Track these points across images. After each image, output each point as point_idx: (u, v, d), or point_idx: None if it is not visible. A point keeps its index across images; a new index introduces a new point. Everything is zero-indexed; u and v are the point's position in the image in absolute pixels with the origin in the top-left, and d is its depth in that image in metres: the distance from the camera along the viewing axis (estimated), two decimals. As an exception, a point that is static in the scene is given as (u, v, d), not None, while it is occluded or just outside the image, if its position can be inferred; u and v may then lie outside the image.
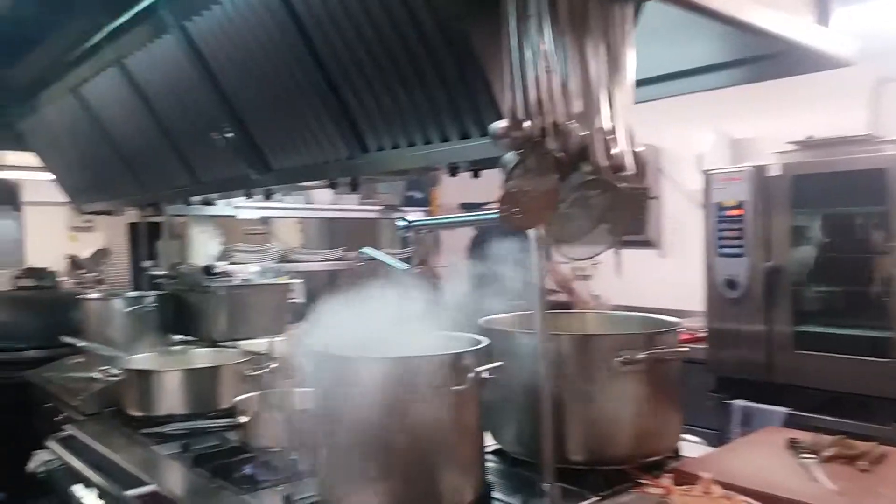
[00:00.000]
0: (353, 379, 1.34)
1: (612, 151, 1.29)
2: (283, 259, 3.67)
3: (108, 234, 7.32)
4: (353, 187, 2.06)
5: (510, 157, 1.26)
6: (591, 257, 1.44)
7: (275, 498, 1.56)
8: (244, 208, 3.94)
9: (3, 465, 3.30)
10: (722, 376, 3.33)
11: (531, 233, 1.39)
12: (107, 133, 2.85)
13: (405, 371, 1.32)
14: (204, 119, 2.24)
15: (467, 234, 4.41)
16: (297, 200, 4.14)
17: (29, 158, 6.16)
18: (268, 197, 2.52)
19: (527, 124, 1.19)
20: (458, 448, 1.37)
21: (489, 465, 1.64)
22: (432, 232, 4.01)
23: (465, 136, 1.50)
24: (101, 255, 7.07)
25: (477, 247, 4.20)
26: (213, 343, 2.66)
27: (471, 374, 1.33)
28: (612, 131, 1.30)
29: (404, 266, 1.83)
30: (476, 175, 1.66)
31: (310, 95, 1.77)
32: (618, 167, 1.29)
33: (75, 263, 6.95)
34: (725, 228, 3.31)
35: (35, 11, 2.46)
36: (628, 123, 1.33)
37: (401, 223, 1.75)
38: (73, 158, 3.40)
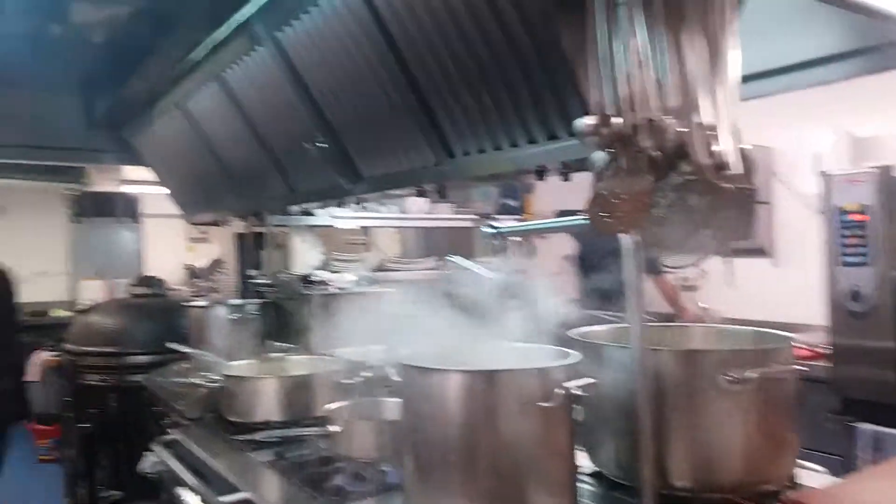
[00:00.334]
0: (437, 391, 1.29)
1: (715, 149, 1.18)
2: (379, 268, 3.71)
3: (223, 244, 7.72)
4: (441, 194, 2.03)
5: (600, 156, 1.18)
6: (692, 265, 1.33)
7: (362, 510, 1.53)
8: (342, 218, 4.02)
9: (120, 464, 3.51)
10: (847, 397, 3.04)
11: (627, 239, 1.29)
12: (210, 145, 2.97)
13: (489, 385, 1.26)
14: (298, 129, 2.28)
15: (566, 242, 4.30)
16: (392, 210, 4.18)
17: (148, 173, 6.59)
18: (360, 205, 2.53)
19: (616, 121, 1.11)
20: (546, 468, 1.29)
21: (585, 487, 1.55)
22: (527, 240, 3.92)
23: (552, 137, 1.43)
24: (215, 264, 7.44)
25: (580, 255, 4.08)
26: (311, 351, 2.69)
27: (559, 390, 1.25)
28: (714, 127, 1.19)
29: (493, 275, 1.78)
30: (566, 178, 1.58)
31: (396, 102, 1.76)
32: (721, 166, 1.18)
33: (192, 273, 7.36)
34: (848, 235, 3.03)
35: (144, 27, 2.61)
36: (732, 118, 1.22)
37: (488, 230, 1.69)
38: (181, 171, 3.57)
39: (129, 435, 2.94)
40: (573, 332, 1.66)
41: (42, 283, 7.19)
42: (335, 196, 2.42)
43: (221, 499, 1.71)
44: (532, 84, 1.40)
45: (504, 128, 1.52)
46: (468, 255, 4.86)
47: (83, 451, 3.25)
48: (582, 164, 1.47)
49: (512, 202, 4.70)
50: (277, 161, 2.58)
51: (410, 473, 1.37)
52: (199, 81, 2.61)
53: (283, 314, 2.86)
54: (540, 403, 1.23)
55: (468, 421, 1.26)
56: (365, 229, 6.36)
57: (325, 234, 4.24)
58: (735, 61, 1.23)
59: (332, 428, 1.80)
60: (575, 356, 1.36)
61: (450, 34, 1.51)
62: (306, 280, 2.88)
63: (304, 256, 3.99)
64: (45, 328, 6.43)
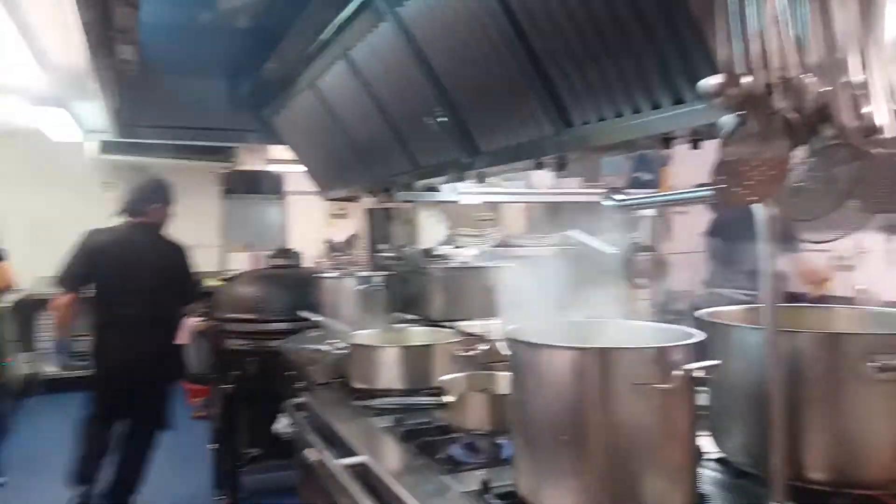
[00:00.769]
0: (546, 368, 1.26)
1: (864, 110, 1.05)
2: (503, 244, 3.70)
3: (360, 220, 8.03)
4: (560, 166, 1.97)
5: (728, 120, 1.09)
6: (833, 240, 1.20)
7: (473, 481, 1.54)
8: (467, 194, 4.04)
9: (258, 424, 3.76)
10: None
11: (760, 211, 1.19)
12: (339, 123, 3.06)
13: (601, 363, 1.21)
14: (419, 104, 2.29)
15: (705, 219, 4.06)
16: (518, 185, 4.14)
17: (288, 152, 6.94)
18: (480, 180, 2.52)
19: (746, 79, 1.01)
20: (662, 452, 1.22)
21: (709, 474, 1.47)
22: (662, 216, 3.73)
23: (678, 101, 1.33)
24: (353, 239, 7.75)
25: (715, 231, 3.84)
26: (432, 322, 2.74)
27: (678, 372, 1.18)
28: (864, 86, 1.05)
29: (615, 250, 1.70)
30: (695, 146, 1.48)
31: (513, 72, 1.72)
32: (870, 129, 1.05)
33: (331, 247, 7.71)
34: None
35: (280, 10, 2.71)
36: (887, 78, 1.07)
37: (608, 202, 1.62)
38: (315, 149, 3.73)
39: (266, 397, 3.13)
40: (700, 312, 1.56)
41: (197, 255, 7.83)
42: (455, 170, 2.42)
43: (340, 461, 1.78)
44: (656, 45, 1.31)
45: (626, 93, 1.44)
46: (596, 232, 4.73)
47: (226, 410, 3.51)
48: (713, 130, 1.36)
49: (646, 176, 4.49)
50: (400, 136, 2.62)
51: (520, 449, 1.35)
52: (329, 61, 2.69)
53: (406, 286, 2.92)
54: (657, 385, 1.17)
55: (579, 400, 1.21)
56: (492, 205, 6.36)
57: (454, 211, 4.28)
58: (892, 15, 1.08)
59: (446, 398, 1.82)
60: (697, 336, 1.28)
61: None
62: (428, 254, 2.92)
63: (430, 231, 4.06)
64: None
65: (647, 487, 1.22)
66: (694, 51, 1.23)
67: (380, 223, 4.40)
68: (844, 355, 1.29)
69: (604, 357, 1.21)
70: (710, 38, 1.17)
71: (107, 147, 6.41)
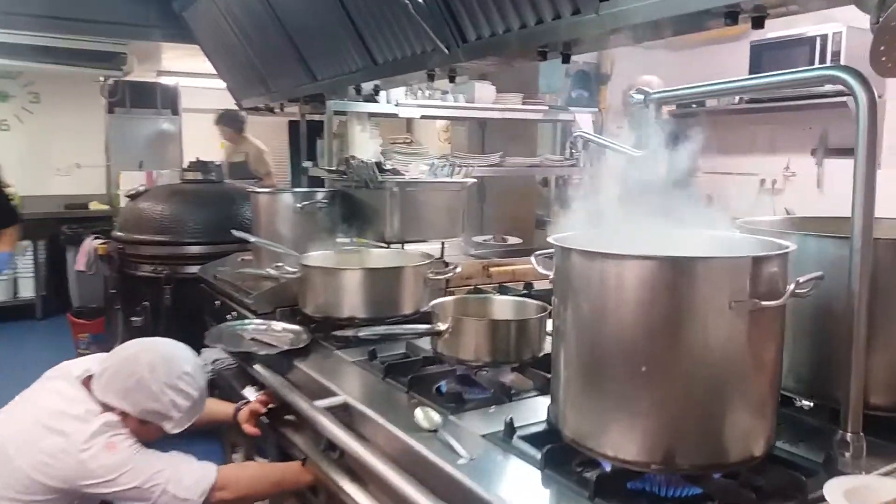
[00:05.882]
0: (617, 283, 1.01)
1: None
2: (447, 162, 3.40)
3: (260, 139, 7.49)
4: (565, 58, 1.71)
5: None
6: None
7: (489, 421, 1.30)
8: (406, 106, 3.69)
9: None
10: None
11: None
12: (276, 16, 2.62)
13: (692, 275, 0.97)
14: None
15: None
16: (457, 101, 3.82)
17: (188, 65, 6.20)
18: (451, 80, 2.20)
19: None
20: (753, 384, 1.01)
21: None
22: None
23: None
24: (248, 159, 7.19)
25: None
26: (386, 244, 2.44)
27: (790, 286, 0.97)
28: None
29: (638, 152, 1.46)
30: (757, 25, 1.24)
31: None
32: None
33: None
34: None
35: None
36: None
37: (636, 95, 1.37)
38: (237, 48, 3.23)
39: (184, 330, 2.74)
40: (739, 220, 1.36)
41: (79, 175, 7.02)
42: (425, 66, 2.08)
43: (318, 403, 1.49)
44: None
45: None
46: (531, 153, 4.51)
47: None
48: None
49: (584, 93, 4.30)
50: (360, 28, 2.24)
51: (570, 385, 1.11)
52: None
53: (353, 204, 2.58)
54: (764, 302, 0.95)
55: (657, 321, 0.98)
56: (408, 126, 6.00)
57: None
58: None
59: (439, 326, 1.55)
60: (791, 246, 1.06)
61: None
62: (380, 168, 2.57)
63: (363, 147, 3.69)
64: (85, 220, 6.28)
65: (732, 427, 1.01)
66: None
67: (303, 138, 3.96)
68: None
69: (695, 267, 0.97)
70: None
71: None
